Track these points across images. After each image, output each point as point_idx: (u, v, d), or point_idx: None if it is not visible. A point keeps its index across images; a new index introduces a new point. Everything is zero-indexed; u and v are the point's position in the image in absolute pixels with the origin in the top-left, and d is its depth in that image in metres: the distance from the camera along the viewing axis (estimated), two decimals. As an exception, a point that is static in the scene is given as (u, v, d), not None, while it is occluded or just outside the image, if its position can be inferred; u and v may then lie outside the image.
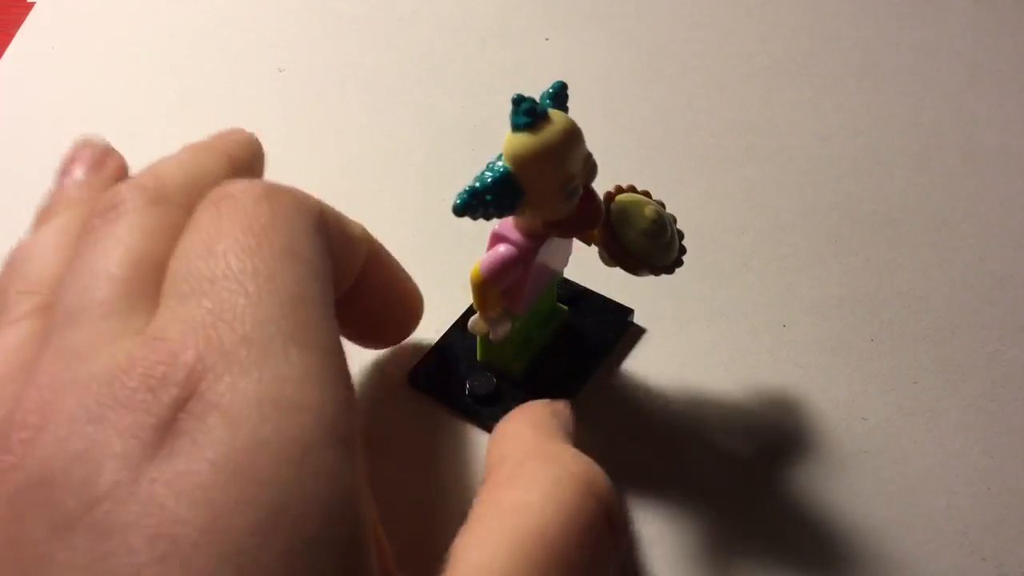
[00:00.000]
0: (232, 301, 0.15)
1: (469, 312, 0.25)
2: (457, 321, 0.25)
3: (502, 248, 0.20)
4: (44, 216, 0.21)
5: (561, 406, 0.21)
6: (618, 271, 0.22)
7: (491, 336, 0.22)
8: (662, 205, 0.22)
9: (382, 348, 0.25)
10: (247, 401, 0.14)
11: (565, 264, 0.23)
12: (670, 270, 0.22)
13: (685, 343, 0.26)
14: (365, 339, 0.24)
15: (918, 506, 0.22)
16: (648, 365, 0.25)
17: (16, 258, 0.19)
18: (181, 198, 0.18)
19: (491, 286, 0.21)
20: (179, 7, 0.38)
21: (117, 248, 0.17)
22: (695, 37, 0.35)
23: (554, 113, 0.19)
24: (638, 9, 0.37)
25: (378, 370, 0.25)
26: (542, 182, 0.19)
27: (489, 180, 0.19)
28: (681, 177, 0.30)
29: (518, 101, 0.18)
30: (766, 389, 0.25)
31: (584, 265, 0.24)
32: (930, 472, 0.23)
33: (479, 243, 0.23)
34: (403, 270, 0.23)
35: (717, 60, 0.35)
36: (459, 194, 0.19)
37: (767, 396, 0.24)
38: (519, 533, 0.16)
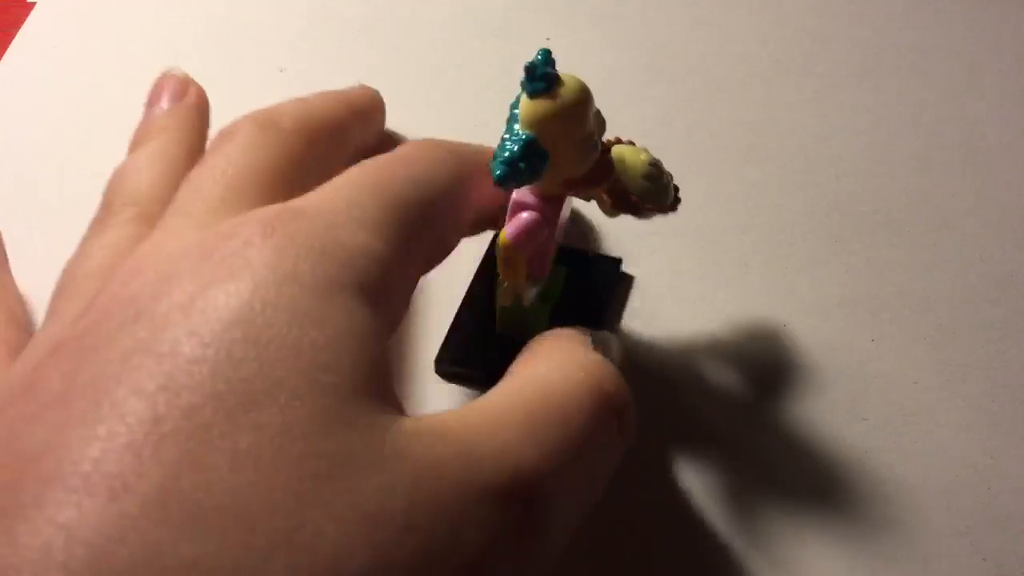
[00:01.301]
0: (339, 192, 0.18)
1: (471, 292, 0.25)
2: (462, 304, 0.25)
3: (525, 215, 0.21)
4: (137, 141, 0.24)
5: (599, 333, 0.22)
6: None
7: (524, 301, 0.22)
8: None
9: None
10: (302, 245, 0.16)
11: (567, 224, 0.24)
12: (674, 208, 0.23)
13: (684, 344, 0.26)
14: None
15: (918, 506, 0.22)
16: (648, 365, 0.25)
17: (117, 176, 0.22)
18: (290, 124, 0.22)
19: (519, 252, 0.21)
20: (179, 7, 0.38)
21: (221, 164, 0.20)
22: (696, 37, 0.35)
23: (563, 74, 0.19)
24: (639, 9, 0.37)
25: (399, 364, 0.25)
26: (568, 142, 0.19)
27: (517, 149, 0.19)
28: (681, 177, 0.30)
29: (533, 68, 0.19)
30: (766, 389, 0.25)
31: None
32: (930, 472, 0.23)
33: (478, 237, 0.23)
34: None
35: (718, 60, 0.35)
36: (496, 166, 0.19)
37: (767, 396, 0.24)
38: (523, 390, 0.18)
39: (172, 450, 0.14)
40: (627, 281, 0.27)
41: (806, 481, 0.23)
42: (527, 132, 0.19)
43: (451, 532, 0.14)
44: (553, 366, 0.19)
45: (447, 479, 0.15)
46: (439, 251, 0.21)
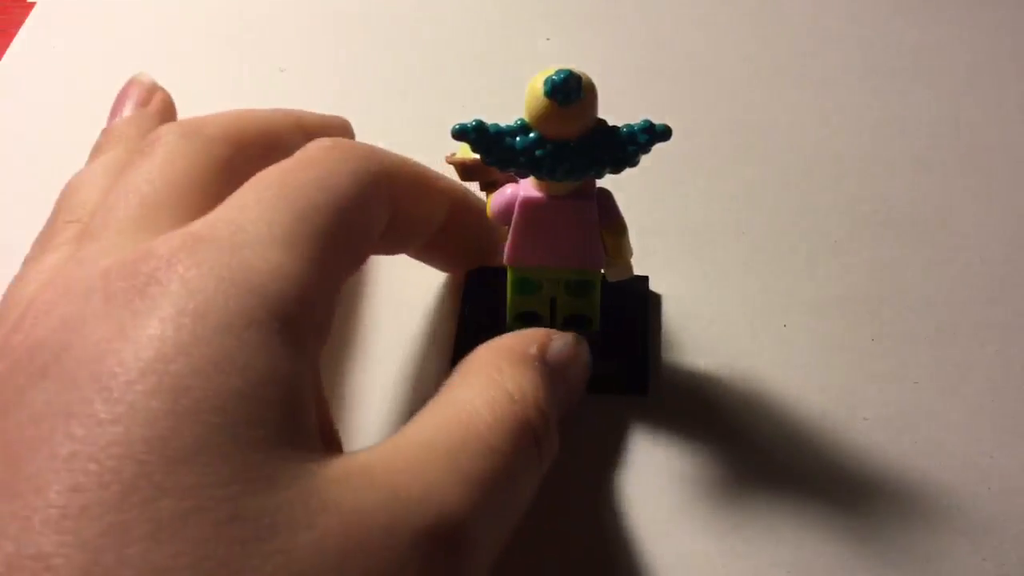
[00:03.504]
0: (245, 208, 0.17)
1: (468, 291, 0.26)
2: (463, 303, 0.26)
3: (508, 189, 0.22)
4: (96, 152, 0.23)
5: (551, 337, 0.22)
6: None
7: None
8: None
9: (470, 267, 0.26)
10: (209, 276, 0.16)
11: (581, 262, 0.23)
12: None
13: (683, 344, 0.26)
14: (459, 266, 0.26)
15: (918, 506, 0.22)
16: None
17: (67, 190, 0.21)
18: (217, 132, 0.20)
19: (498, 222, 0.22)
20: (180, 7, 0.38)
21: (142, 175, 0.19)
22: (695, 37, 0.35)
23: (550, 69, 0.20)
24: (638, 9, 0.37)
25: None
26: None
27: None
28: (681, 177, 0.30)
29: (566, 81, 0.19)
30: (766, 389, 0.25)
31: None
32: (930, 472, 0.23)
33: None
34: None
35: (717, 60, 0.35)
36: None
37: (767, 396, 0.24)
38: (448, 422, 0.18)
39: (93, 525, 0.13)
40: (655, 300, 0.26)
41: (805, 481, 0.23)
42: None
43: None
44: (478, 391, 0.18)
45: (375, 527, 0.15)
46: (353, 260, 0.20)
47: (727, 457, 0.23)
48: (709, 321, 0.26)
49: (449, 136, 0.20)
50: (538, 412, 0.19)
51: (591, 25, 0.36)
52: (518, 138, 0.20)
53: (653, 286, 0.27)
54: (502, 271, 0.24)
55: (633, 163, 0.20)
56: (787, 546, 0.21)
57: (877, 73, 0.34)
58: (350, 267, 0.19)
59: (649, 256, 0.27)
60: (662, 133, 0.20)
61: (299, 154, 0.19)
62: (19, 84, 0.35)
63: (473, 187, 0.24)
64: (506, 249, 0.22)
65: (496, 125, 0.20)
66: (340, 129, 0.25)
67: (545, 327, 0.24)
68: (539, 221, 0.21)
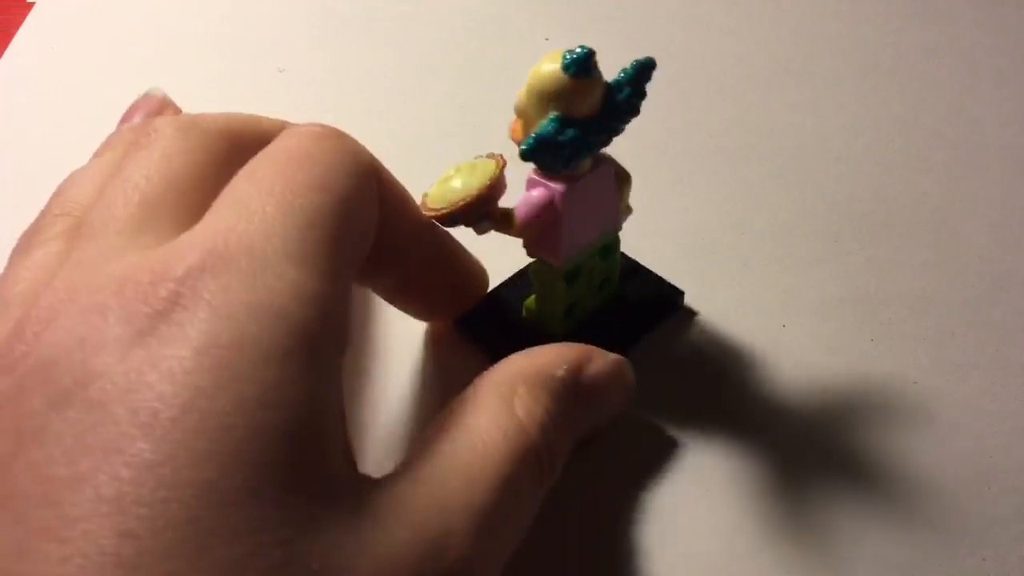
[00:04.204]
0: (249, 217, 0.17)
1: (517, 274, 0.26)
2: (510, 279, 0.26)
3: (535, 193, 0.22)
4: (98, 154, 0.23)
5: (592, 357, 0.22)
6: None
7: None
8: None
9: (446, 318, 0.26)
10: (237, 301, 0.15)
11: (611, 224, 0.23)
12: None
13: (682, 344, 0.26)
14: (433, 314, 0.25)
15: (918, 506, 0.22)
16: (647, 364, 0.25)
17: (61, 186, 0.21)
18: (213, 127, 0.20)
19: (531, 229, 0.22)
20: (179, 7, 0.38)
21: (138, 171, 0.19)
22: (695, 37, 0.35)
23: (553, 53, 0.20)
24: (638, 9, 0.37)
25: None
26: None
27: (557, 131, 0.20)
28: (681, 177, 0.30)
29: (586, 57, 0.19)
30: (765, 389, 0.25)
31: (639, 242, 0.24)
32: (930, 472, 0.23)
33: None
34: (467, 252, 0.24)
35: (717, 60, 0.35)
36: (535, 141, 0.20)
37: (766, 396, 0.24)
38: (465, 452, 0.18)
39: (148, 574, 0.13)
40: (687, 315, 0.26)
41: (804, 481, 0.23)
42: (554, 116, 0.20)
43: None
44: (492, 418, 0.19)
45: (404, 569, 0.15)
46: (357, 263, 0.19)
47: (726, 457, 0.23)
48: (709, 321, 0.26)
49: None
50: (544, 439, 0.19)
51: (591, 25, 0.36)
52: (566, 133, 0.20)
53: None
54: (491, 302, 0.25)
55: (635, 106, 0.21)
56: (786, 546, 0.21)
57: (877, 73, 0.34)
58: (354, 270, 0.19)
59: (649, 256, 0.27)
60: (644, 65, 0.20)
61: (290, 144, 0.19)
62: (19, 84, 0.35)
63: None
64: (555, 248, 0.22)
65: (540, 134, 0.20)
66: None
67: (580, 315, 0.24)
68: (581, 204, 0.22)
